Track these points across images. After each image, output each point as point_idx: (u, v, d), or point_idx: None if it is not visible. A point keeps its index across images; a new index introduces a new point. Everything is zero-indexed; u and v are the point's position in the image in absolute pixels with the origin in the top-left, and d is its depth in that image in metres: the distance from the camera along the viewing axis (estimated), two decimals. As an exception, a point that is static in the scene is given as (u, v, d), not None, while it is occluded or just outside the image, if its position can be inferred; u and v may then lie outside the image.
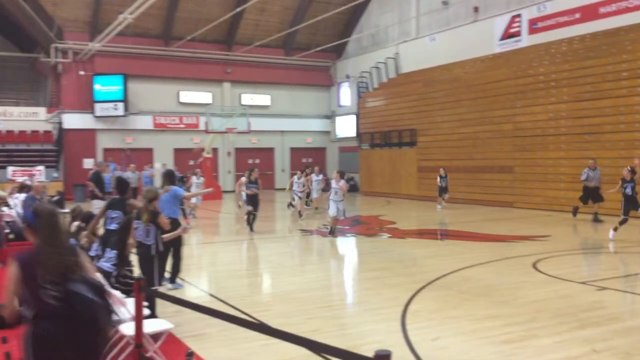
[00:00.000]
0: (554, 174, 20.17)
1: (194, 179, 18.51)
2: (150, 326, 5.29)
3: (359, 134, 31.23)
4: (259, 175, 15.82)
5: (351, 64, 34.43)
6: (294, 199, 19.41)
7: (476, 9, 26.54)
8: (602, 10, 21.59)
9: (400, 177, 27.63)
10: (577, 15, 22.47)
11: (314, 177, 19.23)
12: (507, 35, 25.34)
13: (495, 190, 22.08)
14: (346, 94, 34.75)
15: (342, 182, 13.67)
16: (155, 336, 5.33)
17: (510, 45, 25.15)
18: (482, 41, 26.03)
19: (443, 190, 21.41)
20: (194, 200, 17.35)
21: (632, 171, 12.63)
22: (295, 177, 19.35)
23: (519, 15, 24.77)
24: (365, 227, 16.04)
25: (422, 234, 14.55)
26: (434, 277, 9.00)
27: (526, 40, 24.43)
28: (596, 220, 16.09)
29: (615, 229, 12.20)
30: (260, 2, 27.88)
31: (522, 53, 24.11)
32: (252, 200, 14.93)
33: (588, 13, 22.10)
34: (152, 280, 6.51)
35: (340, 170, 14.65)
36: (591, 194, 16.47)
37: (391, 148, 28.29)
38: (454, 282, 8.81)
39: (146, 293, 5.13)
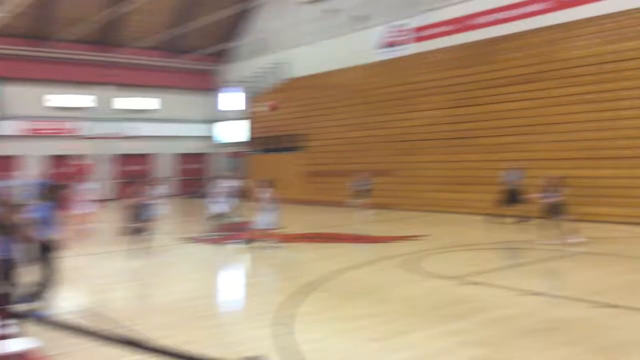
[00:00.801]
0: (432, 177, 21.22)
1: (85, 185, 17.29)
2: (12, 345, 4.98)
3: (249, 138, 31.17)
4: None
5: (239, 68, 34.29)
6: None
7: (359, 18, 27.44)
8: (478, 21, 23.10)
9: (290, 182, 27.87)
10: (455, 26, 23.87)
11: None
12: (389, 43, 26.40)
13: (379, 193, 22.87)
14: (235, 99, 34.49)
15: (268, 192, 13.20)
16: (18, 356, 5.03)
17: (392, 53, 26.21)
18: (365, 49, 26.91)
19: (362, 194, 20.11)
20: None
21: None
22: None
23: (400, 25, 25.89)
24: (251, 233, 15.99)
25: (306, 238, 14.75)
26: (315, 280, 9.18)
27: (407, 49, 25.57)
28: (520, 222, 15.44)
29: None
30: (145, 2, 27.07)
31: (403, 61, 25.21)
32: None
33: (465, 24, 23.56)
34: (9, 296, 6.09)
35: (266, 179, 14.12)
36: (511, 197, 15.87)
37: (281, 153, 28.47)
38: (334, 284, 9.02)
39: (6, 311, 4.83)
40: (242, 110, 32.58)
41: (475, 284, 8.76)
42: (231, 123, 33.85)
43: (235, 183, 17.46)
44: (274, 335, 6.35)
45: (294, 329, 6.54)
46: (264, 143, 29.56)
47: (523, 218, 15.17)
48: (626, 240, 13.41)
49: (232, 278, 10.94)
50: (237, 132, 33.12)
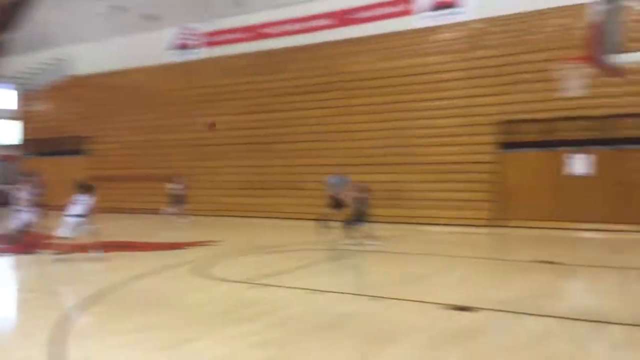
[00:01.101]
0: (231, 182, 21.35)
1: None
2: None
3: (22, 140, 28.31)
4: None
5: (13, 62, 31.00)
6: None
7: (151, 18, 26.58)
8: (268, 31, 23.80)
9: (72, 188, 25.90)
10: (247, 34, 24.32)
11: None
12: (185, 45, 25.99)
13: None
14: (6, 96, 30.96)
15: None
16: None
17: (188, 55, 25.86)
18: (160, 49, 26.18)
19: (179, 199, 19.25)
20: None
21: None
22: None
23: (193, 29, 25.63)
24: (27, 245, 14.54)
25: (96, 247, 13.81)
26: (100, 291, 8.65)
27: (201, 52, 25.41)
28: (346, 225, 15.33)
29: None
30: None
31: (198, 65, 25.01)
32: None
33: (256, 33, 24.12)
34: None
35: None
36: (335, 202, 15.61)
37: (62, 156, 26.34)
38: (119, 295, 8.58)
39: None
40: (14, 109, 29.53)
41: (266, 286, 8.97)
42: (3, 123, 30.42)
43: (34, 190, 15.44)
44: (49, 354, 5.83)
45: (70, 346, 6.08)
46: (40, 146, 27.06)
47: (349, 221, 15.52)
48: (400, 238, 14.85)
49: (6, 294, 9.82)
50: (7, 133, 29.83)
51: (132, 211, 21.89)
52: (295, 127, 20.93)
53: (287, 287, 8.85)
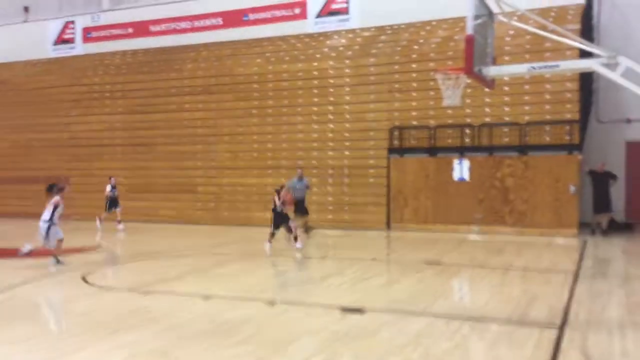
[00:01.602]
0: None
1: None
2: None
3: None
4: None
5: None
6: None
7: (26, 9, 24.98)
8: (153, 28, 23.07)
9: None
10: (130, 30, 23.43)
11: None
12: (61, 40, 24.63)
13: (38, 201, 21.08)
14: None
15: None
16: None
17: (65, 51, 24.52)
18: (34, 44, 24.63)
19: (113, 203, 17.92)
20: None
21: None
22: None
23: (72, 22, 24.37)
24: None
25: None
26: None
27: (81, 48, 24.20)
28: (307, 230, 15.20)
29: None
30: None
31: (78, 61, 23.79)
32: None
33: (140, 29, 23.30)
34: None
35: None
36: (297, 207, 14.82)
37: None
38: (0, 303, 8.00)
39: None
40: None
41: (153, 293, 8.70)
42: None
43: None
44: None
45: None
46: None
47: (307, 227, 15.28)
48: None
49: None
50: None
51: (4, 214, 20.39)
52: (181, 129, 20.49)
53: (176, 294, 8.65)
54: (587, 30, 16.51)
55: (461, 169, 16.78)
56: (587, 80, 17.04)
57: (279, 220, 12.67)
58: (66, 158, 21.57)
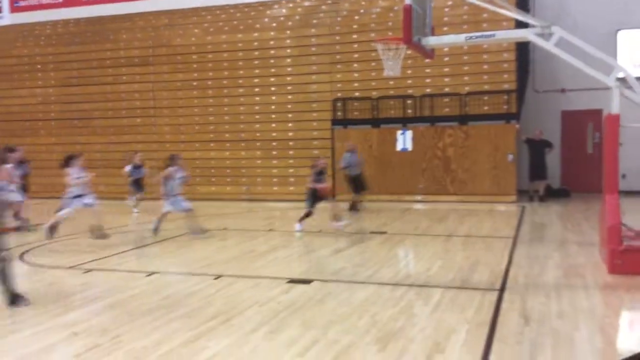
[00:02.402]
0: (46, 160, 19.69)
1: None
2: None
3: None
4: None
5: None
6: None
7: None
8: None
9: None
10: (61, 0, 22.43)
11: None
12: (-14, 9, 23.35)
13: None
14: None
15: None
16: None
17: (-9, 20, 23.27)
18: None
19: (138, 186, 15.48)
20: None
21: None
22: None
23: (-3, -11, 23.14)
24: None
25: None
26: None
27: (8, 18, 23.02)
28: (354, 209, 14.57)
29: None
30: None
31: (5, 31, 22.62)
32: None
33: (70, -2, 22.34)
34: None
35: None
36: (356, 183, 14.59)
37: None
38: None
39: None
40: None
41: (95, 270, 8.49)
42: None
43: None
44: None
45: None
46: None
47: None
48: (234, 215, 14.88)
49: None
50: None
51: None
52: (116, 102, 19.87)
53: (118, 271, 8.46)
54: (523, 1, 16.85)
55: (404, 139, 16.99)
56: (524, 51, 17.45)
57: (314, 198, 11.58)
58: (-2, 133, 20.61)
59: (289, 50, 18.73)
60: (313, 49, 18.47)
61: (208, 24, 19.92)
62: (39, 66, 20.97)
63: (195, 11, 20.43)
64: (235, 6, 20.10)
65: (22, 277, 8.18)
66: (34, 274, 8.45)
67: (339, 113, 17.74)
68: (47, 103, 20.58)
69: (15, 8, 22.88)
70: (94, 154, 18.95)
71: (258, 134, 18.48)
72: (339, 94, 17.90)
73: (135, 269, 8.58)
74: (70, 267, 8.75)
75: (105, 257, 9.54)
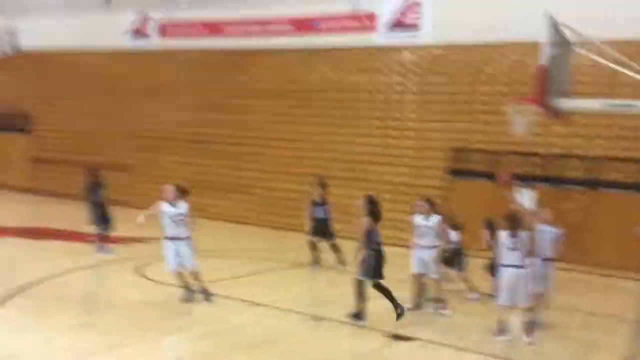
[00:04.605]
0: (174, 177, 20.75)
1: None
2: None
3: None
4: None
5: None
6: None
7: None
8: (226, 29, 23.62)
9: (10, 167, 24.82)
10: (204, 29, 24.06)
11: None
12: (138, 33, 25.43)
13: (113, 188, 21.72)
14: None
15: None
16: None
17: (141, 44, 25.28)
18: (113, 34, 25.49)
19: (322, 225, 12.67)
20: None
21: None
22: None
23: (149, 17, 25.15)
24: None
25: (18, 232, 13.19)
26: (24, 284, 8.22)
27: (156, 42, 24.93)
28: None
29: None
30: None
31: (152, 54, 24.46)
32: None
33: (214, 29, 23.88)
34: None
35: None
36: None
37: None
38: (50, 288, 8.21)
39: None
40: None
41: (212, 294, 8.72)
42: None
43: None
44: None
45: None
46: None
47: None
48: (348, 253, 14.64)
49: None
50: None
51: (73, 197, 21.07)
52: (244, 130, 20.69)
53: (222, 297, 8.64)
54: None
55: (524, 198, 16.21)
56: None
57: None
58: (132, 147, 22.12)
59: (412, 96, 18.66)
60: (437, 96, 18.29)
61: (337, 64, 20.38)
62: (178, 89, 22.38)
63: (326, 51, 20.99)
64: (366, 49, 20.43)
65: (133, 289, 8.54)
66: (145, 288, 8.81)
67: (457, 163, 17.30)
68: (181, 125, 21.84)
69: (163, 33, 24.74)
70: (213, 177, 19.80)
71: (375, 175, 18.40)
72: (459, 144, 17.49)
73: (240, 297, 8.71)
74: (178, 285, 9.03)
75: (214, 280, 9.76)
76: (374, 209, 8.34)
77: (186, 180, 20.27)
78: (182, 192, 8.56)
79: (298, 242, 13.09)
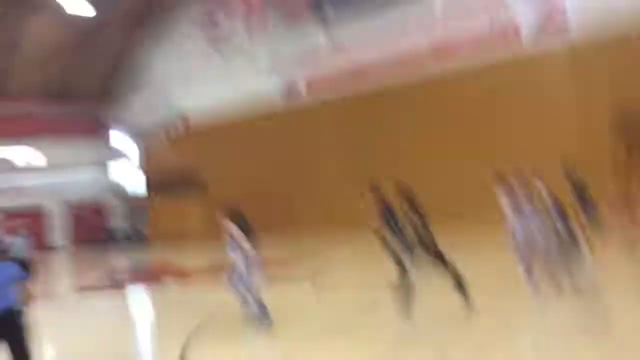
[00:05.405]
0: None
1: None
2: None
3: (145, 181, 29.98)
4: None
5: (130, 107, 31.28)
6: None
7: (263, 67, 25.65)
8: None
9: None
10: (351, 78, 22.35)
11: None
12: (291, 91, 24.35)
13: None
14: (126, 139, 32.28)
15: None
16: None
17: (295, 101, 24.24)
18: (264, 96, 24.88)
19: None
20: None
21: None
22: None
23: (299, 74, 23.90)
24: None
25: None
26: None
27: (307, 98, 23.77)
28: None
29: None
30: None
31: (304, 111, 23.63)
32: None
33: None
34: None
35: None
36: None
37: (182, 197, 27.28)
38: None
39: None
40: (134, 151, 31.09)
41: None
42: (125, 165, 32.04)
43: None
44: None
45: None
46: (161, 187, 28.17)
47: None
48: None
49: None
50: (131, 175, 31.47)
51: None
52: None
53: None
54: None
55: None
56: None
57: None
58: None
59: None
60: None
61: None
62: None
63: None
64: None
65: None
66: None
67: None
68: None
69: (312, 88, 23.98)
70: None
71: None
72: None
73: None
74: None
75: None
76: None
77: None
78: None
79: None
